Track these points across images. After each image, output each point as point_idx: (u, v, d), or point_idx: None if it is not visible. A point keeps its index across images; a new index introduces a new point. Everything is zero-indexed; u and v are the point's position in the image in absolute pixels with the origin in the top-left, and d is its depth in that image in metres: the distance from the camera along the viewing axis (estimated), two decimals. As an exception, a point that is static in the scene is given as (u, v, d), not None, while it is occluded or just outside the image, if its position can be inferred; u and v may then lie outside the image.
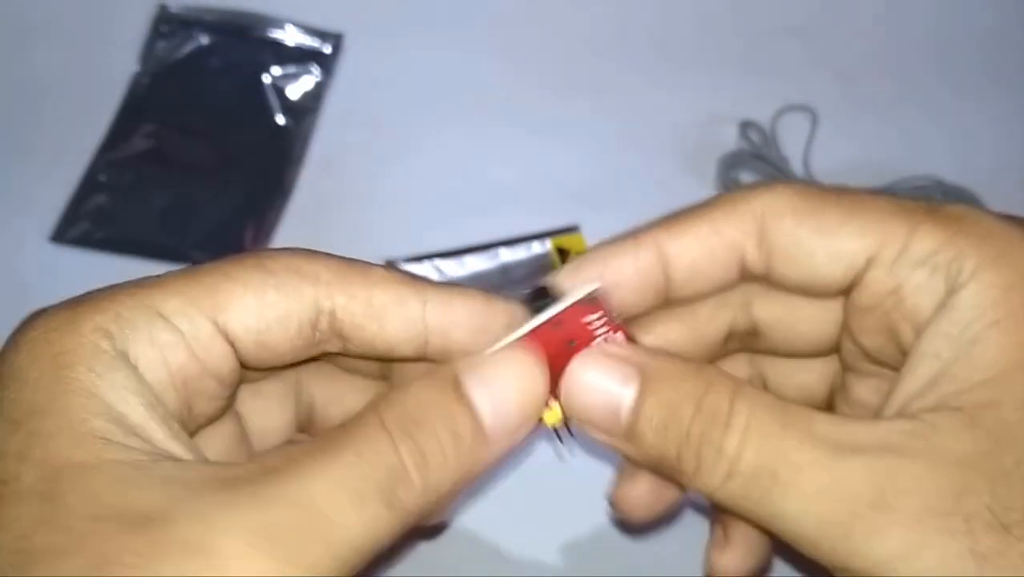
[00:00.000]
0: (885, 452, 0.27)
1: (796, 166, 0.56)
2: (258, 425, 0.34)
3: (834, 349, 0.34)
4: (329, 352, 0.32)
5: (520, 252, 0.54)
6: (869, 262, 0.31)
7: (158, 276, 0.30)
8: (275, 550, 0.24)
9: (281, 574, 0.24)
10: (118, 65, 0.59)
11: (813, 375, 0.36)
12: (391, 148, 0.57)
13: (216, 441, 0.33)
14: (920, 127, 0.58)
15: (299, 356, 0.32)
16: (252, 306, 0.30)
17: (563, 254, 0.53)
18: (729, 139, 0.57)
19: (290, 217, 0.55)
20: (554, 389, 0.31)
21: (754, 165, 0.56)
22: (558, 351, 0.31)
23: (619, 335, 0.32)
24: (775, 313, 0.34)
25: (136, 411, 0.27)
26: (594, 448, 0.39)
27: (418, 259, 0.53)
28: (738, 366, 0.37)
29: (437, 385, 0.28)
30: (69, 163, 0.56)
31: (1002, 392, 0.28)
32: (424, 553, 0.45)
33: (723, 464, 0.28)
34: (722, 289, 0.33)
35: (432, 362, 0.32)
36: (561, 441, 0.32)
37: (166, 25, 0.61)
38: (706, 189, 0.55)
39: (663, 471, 0.30)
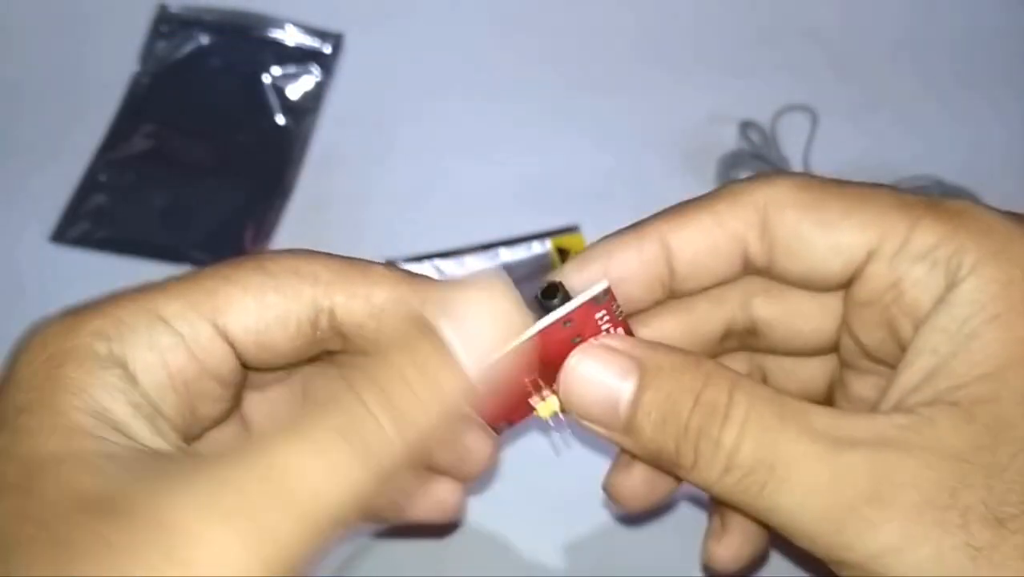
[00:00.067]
0: (882, 446, 0.27)
1: (796, 166, 0.56)
2: (265, 429, 0.34)
3: (833, 348, 0.34)
4: (331, 351, 0.32)
5: (520, 252, 0.53)
6: (869, 256, 0.31)
7: (160, 281, 0.30)
8: (248, 530, 0.24)
9: (252, 553, 0.23)
10: (118, 65, 0.59)
11: (812, 373, 0.36)
12: (391, 148, 0.57)
13: (223, 444, 0.33)
14: (920, 127, 0.57)
15: (301, 355, 0.32)
16: (251, 308, 0.30)
17: (563, 254, 0.53)
18: (729, 139, 0.57)
19: (290, 217, 0.55)
20: (554, 383, 0.31)
21: (754, 165, 0.56)
22: (563, 347, 0.30)
23: (619, 330, 0.31)
24: (774, 311, 0.34)
25: (122, 409, 0.27)
26: (592, 441, 0.39)
27: (418, 259, 0.53)
28: (737, 363, 0.36)
29: (400, 330, 0.27)
30: (69, 163, 0.56)
31: (1000, 387, 0.28)
32: (425, 553, 0.45)
33: (721, 457, 0.28)
34: (724, 282, 0.33)
35: None
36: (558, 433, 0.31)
37: (166, 25, 0.61)
38: (706, 189, 0.53)
39: (661, 464, 0.30)
